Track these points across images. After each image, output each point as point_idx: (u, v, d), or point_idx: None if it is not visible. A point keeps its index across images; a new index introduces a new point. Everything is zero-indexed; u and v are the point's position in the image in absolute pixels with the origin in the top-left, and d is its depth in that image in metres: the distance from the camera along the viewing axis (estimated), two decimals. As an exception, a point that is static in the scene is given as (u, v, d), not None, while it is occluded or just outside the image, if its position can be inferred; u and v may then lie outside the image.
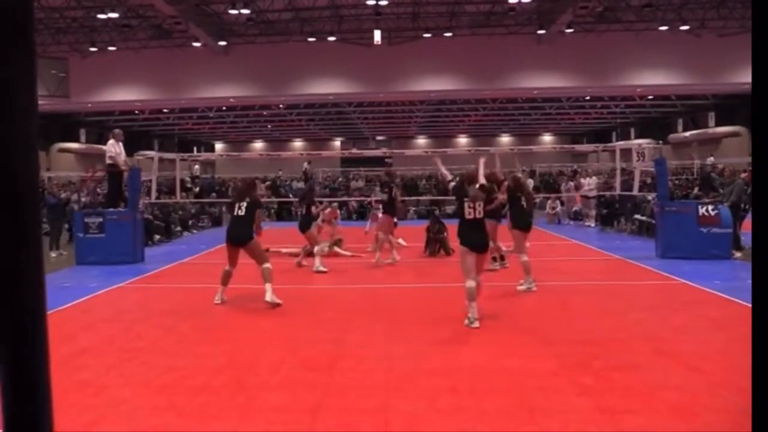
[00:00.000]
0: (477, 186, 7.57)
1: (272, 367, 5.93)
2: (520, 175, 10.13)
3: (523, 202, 9.68)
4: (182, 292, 9.88)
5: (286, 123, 47.27)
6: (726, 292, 8.80)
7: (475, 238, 7.35)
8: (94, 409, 4.84)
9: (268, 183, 28.33)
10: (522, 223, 9.53)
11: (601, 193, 20.17)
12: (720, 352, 6.13)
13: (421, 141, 56.64)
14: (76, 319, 8.12)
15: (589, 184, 21.79)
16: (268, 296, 8.42)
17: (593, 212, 20.76)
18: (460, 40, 26.11)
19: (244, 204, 8.86)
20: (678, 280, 10.00)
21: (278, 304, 8.35)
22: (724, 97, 36.09)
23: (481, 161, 8.19)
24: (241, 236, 8.77)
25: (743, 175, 14.98)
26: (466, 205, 7.41)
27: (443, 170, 8.91)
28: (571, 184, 23.62)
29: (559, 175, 32.96)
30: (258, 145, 58.80)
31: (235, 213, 8.92)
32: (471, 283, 7.21)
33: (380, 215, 13.25)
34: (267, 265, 8.59)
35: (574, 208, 22.07)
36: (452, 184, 8.20)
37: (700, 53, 25.42)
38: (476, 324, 7.12)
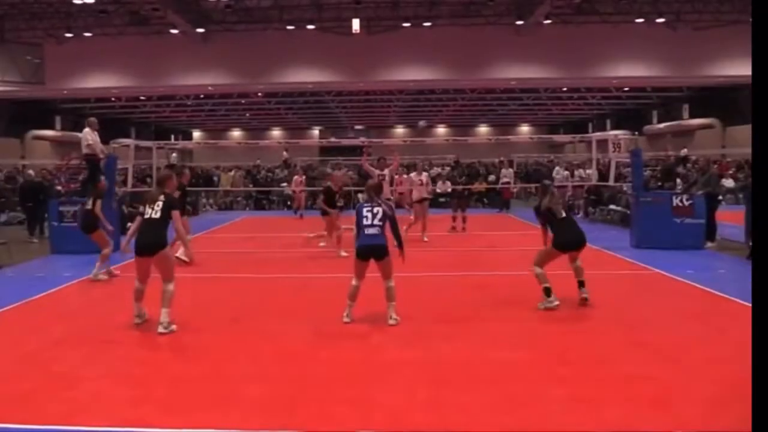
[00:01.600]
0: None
1: (251, 358, 5.91)
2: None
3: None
4: (157, 281, 9.76)
5: (264, 111, 46.99)
6: (699, 281, 8.96)
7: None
8: (69, 402, 4.74)
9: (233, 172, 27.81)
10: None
11: (590, 183, 20.00)
12: (695, 342, 6.22)
13: (400, 130, 56.62)
14: (49, 310, 8.02)
15: (581, 175, 21.79)
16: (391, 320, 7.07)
17: (581, 203, 20.56)
18: (439, 30, 26.08)
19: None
20: (652, 270, 10.13)
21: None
22: (698, 90, 36.54)
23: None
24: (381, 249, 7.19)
25: (716, 166, 15.19)
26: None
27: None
28: (568, 173, 23.22)
29: (538, 166, 32.01)
30: (236, 133, 58.38)
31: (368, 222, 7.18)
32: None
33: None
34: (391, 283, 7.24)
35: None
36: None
37: (676, 46, 25.65)
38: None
